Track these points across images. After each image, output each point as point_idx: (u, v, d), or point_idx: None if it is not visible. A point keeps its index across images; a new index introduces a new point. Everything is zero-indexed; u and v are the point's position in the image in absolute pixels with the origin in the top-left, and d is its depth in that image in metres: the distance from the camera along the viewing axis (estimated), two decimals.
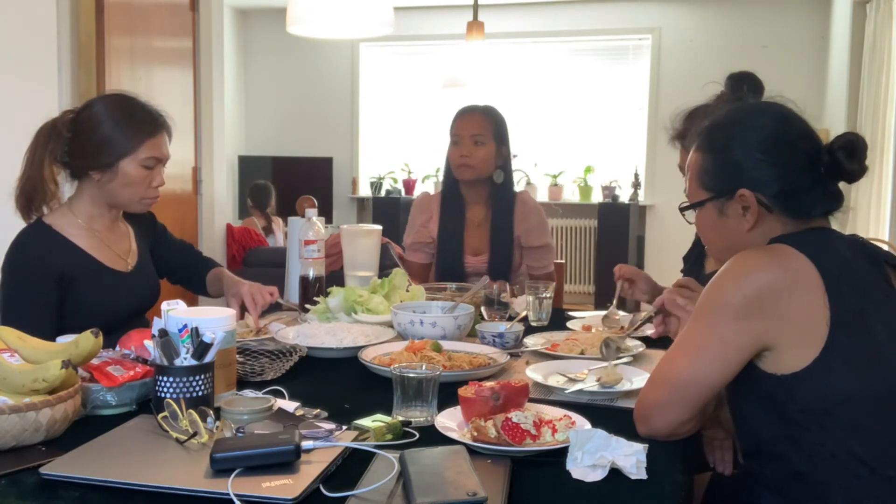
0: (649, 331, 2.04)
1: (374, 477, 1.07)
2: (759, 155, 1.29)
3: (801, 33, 6.56)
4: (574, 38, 7.16)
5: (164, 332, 1.33)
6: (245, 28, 7.84)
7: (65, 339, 1.45)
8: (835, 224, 1.35)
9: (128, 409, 1.39)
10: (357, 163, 7.73)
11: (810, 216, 1.30)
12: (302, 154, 7.61)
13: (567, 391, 1.49)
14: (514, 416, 1.22)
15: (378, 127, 7.73)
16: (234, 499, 1.01)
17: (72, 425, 1.28)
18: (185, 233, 4.45)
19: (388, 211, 6.95)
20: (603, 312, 2.20)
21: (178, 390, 1.30)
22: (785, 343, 1.21)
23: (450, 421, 1.32)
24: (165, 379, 1.30)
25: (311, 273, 2.23)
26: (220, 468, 1.07)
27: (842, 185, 1.32)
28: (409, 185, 7.47)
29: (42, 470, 1.09)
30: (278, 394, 1.46)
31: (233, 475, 1.06)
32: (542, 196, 7.11)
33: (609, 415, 1.40)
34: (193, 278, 2.25)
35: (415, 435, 1.27)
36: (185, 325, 1.33)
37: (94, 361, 1.41)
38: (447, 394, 1.40)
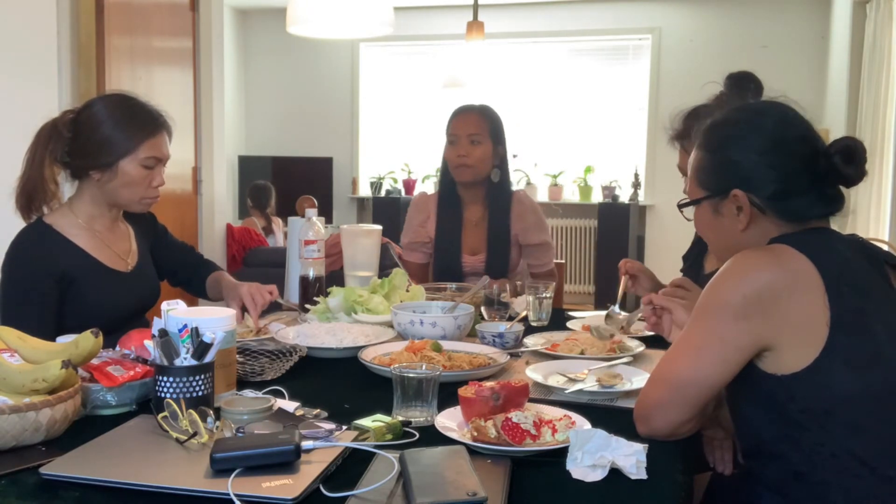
0: (650, 331, 2.05)
1: (374, 477, 1.07)
2: (754, 157, 1.29)
3: (801, 33, 6.56)
4: (574, 38, 7.16)
5: (164, 332, 1.33)
6: (245, 28, 7.84)
7: (65, 339, 1.45)
8: (834, 224, 1.35)
9: (128, 409, 1.39)
10: (357, 163, 7.74)
11: (805, 219, 1.30)
12: (302, 154, 7.61)
13: (567, 391, 1.49)
14: (514, 416, 1.22)
15: (378, 127, 7.73)
16: (234, 499, 1.01)
17: (72, 425, 1.28)
18: (185, 233, 4.45)
19: (388, 211, 6.95)
20: (603, 312, 2.19)
21: (178, 390, 1.30)
22: (785, 343, 1.21)
23: (450, 421, 1.32)
24: (165, 379, 1.30)
25: (311, 273, 2.23)
26: (220, 468, 1.07)
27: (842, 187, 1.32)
28: (409, 185, 7.47)
29: (42, 470, 1.09)
30: (278, 394, 1.46)
31: (233, 475, 1.06)
32: (542, 196, 7.11)
33: (609, 415, 1.40)
34: (194, 280, 2.25)
35: (415, 435, 1.27)
36: (185, 325, 1.33)
37: (94, 361, 1.41)
38: (447, 394, 1.40)
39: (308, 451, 1.13)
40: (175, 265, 2.22)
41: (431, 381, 1.35)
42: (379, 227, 2.48)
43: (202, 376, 1.32)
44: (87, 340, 1.35)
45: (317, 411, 1.37)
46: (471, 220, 2.76)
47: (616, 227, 6.39)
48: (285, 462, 1.09)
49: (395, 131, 7.66)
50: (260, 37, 7.80)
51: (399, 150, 7.60)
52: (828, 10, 6.39)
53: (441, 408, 1.36)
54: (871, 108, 4.95)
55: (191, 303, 1.67)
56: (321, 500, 1.04)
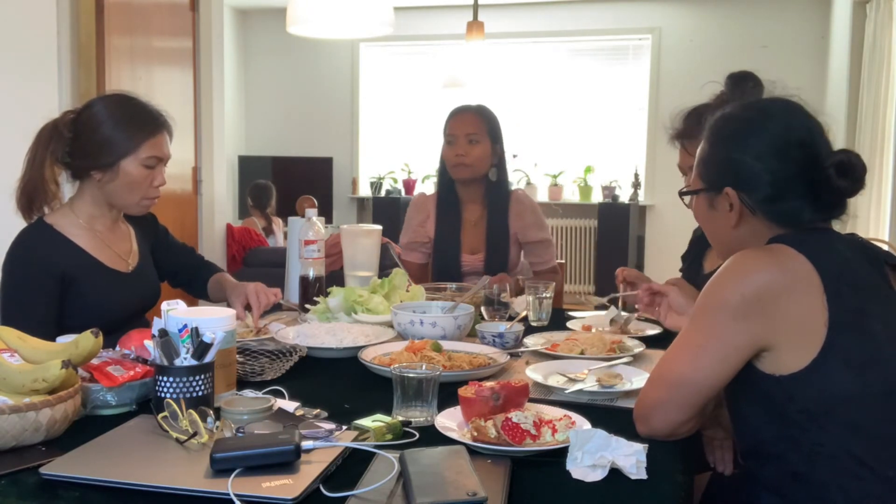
0: (650, 331, 2.05)
1: (374, 477, 1.07)
2: (752, 159, 1.30)
3: (801, 33, 6.56)
4: (574, 38, 7.16)
5: (164, 332, 1.33)
6: (245, 28, 7.84)
7: (65, 339, 1.45)
8: (834, 224, 1.35)
9: (128, 409, 1.39)
10: (357, 163, 7.74)
11: (796, 223, 1.29)
12: (302, 154, 7.61)
13: (567, 391, 1.49)
14: (514, 416, 1.22)
15: (378, 127, 7.73)
16: (234, 499, 1.01)
17: (72, 425, 1.28)
18: (185, 233, 4.45)
19: (388, 211, 6.95)
20: (603, 312, 2.20)
21: (178, 390, 1.30)
22: (783, 343, 1.21)
23: (450, 421, 1.32)
24: (165, 379, 1.30)
25: (311, 273, 2.23)
26: (220, 468, 1.07)
27: None
28: (409, 185, 7.47)
29: (42, 470, 1.09)
30: (278, 394, 1.46)
31: (233, 475, 1.06)
32: (542, 196, 7.11)
33: (609, 415, 1.40)
34: (194, 282, 2.25)
35: (415, 435, 1.27)
36: (185, 325, 1.33)
37: (94, 361, 1.41)
38: (447, 394, 1.40)
39: (308, 451, 1.13)
40: (175, 266, 2.22)
41: (431, 381, 1.35)
42: (379, 227, 2.48)
43: (202, 376, 1.32)
44: (87, 340, 1.35)
45: (317, 411, 1.37)
46: (470, 219, 2.77)
47: (616, 227, 6.39)
48: (285, 462, 1.09)
49: (395, 131, 7.66)
50: (260, 37, 7.80)
51: (399, 150, 7.59)
52: (828, 10, 6.39)
53: (441, 408, 1.36)
54: (871, 108, 4.95)
55: (191, 303, 1.67)
56: (321, 500, 1.04)
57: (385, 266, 2.49)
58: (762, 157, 1.29)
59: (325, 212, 7.17)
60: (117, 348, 1.56)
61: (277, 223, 6.10)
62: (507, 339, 1.85)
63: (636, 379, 1.57)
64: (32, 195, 1.89)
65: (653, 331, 2.05)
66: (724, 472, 1.56)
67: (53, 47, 3.43)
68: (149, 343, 1.44)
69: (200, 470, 1.09)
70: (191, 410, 1.23)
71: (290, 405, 1.40)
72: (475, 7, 4.07)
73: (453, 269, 2.73)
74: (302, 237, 2.25)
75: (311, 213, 2.28)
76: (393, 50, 7.60)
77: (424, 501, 0.97)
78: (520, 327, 1.91)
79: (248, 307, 2.05)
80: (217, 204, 4.90)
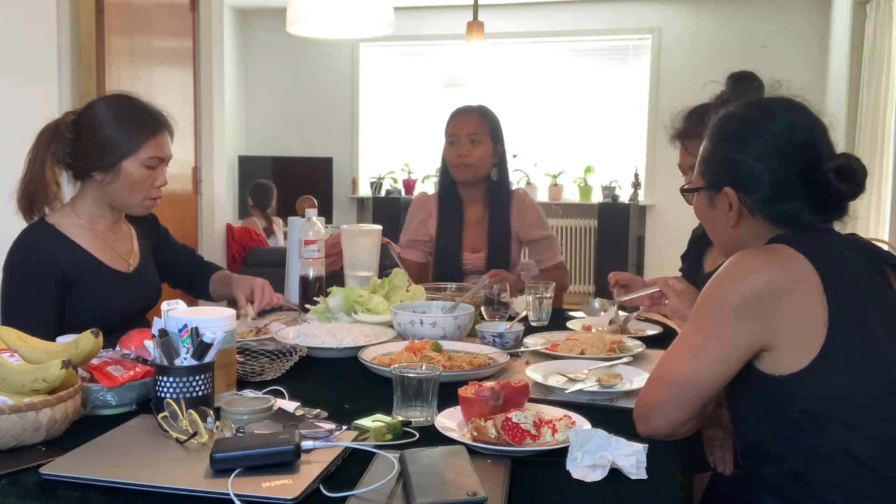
0: (650, 331, 2.05)
1: (374, 477, 1.07)
2: (752, 160, 1.30)
3: (801, 33, 6.56)
4: (574, 38, 7.16)
5: (164, 332, 1.33)
6: (245, 28, 7.84)
7: (65, 339, 1.45)
8: (834, 225, 1.35)
9: (128, 409, 1.39)
10: (357, 163, 7.73)
11: (796, 224, 1.29)
12: (302, 154, 7.61)
13: (567, 391, 1.49)
14: (514, 416, 1.22)
15: (378, 127, 7.73)
16: (234, 499, 1.01)
17: (72, 425, 1.28)
18: (185, 233, 4.45)
19: (388, 211, 6.95)
20: (602, 312, 2.20)
21: (178, 390, 1.30)
22: (783, 343, 1.21)
23: (450, 421, 1.32)
24: (165, 379, 1.30)
25: (311, 273, 2.23)
26: (220, 468, 1.07)
27: None
28: (409, 185, 7.47)
29: (42, 470, 1.09)
30: (278, 394, 1.46)
31: (233, 475, 1.06)
32: (542, 196, 7.10)
33: (609, 415, 1.40)
34: (195, 282, 2.25)
35: (415, 435, 1.27)
36: (185, 325, 1.33)
37: (94, 361, 1.41)
38: (447, 394, 1.40)
39: (308, 451, 1.13)
40: (176, 267, 2.22)
41: (431, 381, 1.35)
42: (379, 227, 2.48)
43: (202, 376, 1.32)
44: (87, 340, 1.35)
45: (317, 411, 1.37)
46: (471, 218, 2.79)
47: (616, 227, 6.39)
48: (285, 462, 1.09)
49: (395, 131, 7.66)
50: (260, 37, 7.79)
51: (399, 150, 7.59)
52: (828, 10, 6.39)
53: (441, 408, 1.36)
54: (871, 108, 4.95)
55: (191, 303, 1.67)
56: (321, 500, 1.04)
57: (385, 266, 2.49)
58: (763, 157, 1.29)
59: (325, 212, 7.17)
60: (117, 348, 1.56)
61: (278, 223, 6.09)
62: (507, 339, 1.85)
63: (636, 379, 1.57)
64: (33, 196, 1.89)
65: (653, 331, 2.05)
66: (724, 472, 1.56)
67: (53, 47, 3.43)
68: (149, 343, 1.44)
69: (200, 470, 1.09)
70: (191, 410, 1.23)
71: (290, 405, 1.40)
72: (475, 7, 4.07)
73: (455, 268, 2.75)
74: (302, 237, 2.25)
75: (311, 213, 2.28)
76: (393, 50, 7.60)
77: (424, 501, 0.97)
78: (520, 327, 1.91)
79: (251, 303, 2.05)
80: (217, 204, 4.90)
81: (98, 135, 1.88)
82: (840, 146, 1.35)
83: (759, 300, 1.20)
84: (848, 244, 1.30)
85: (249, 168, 7.46)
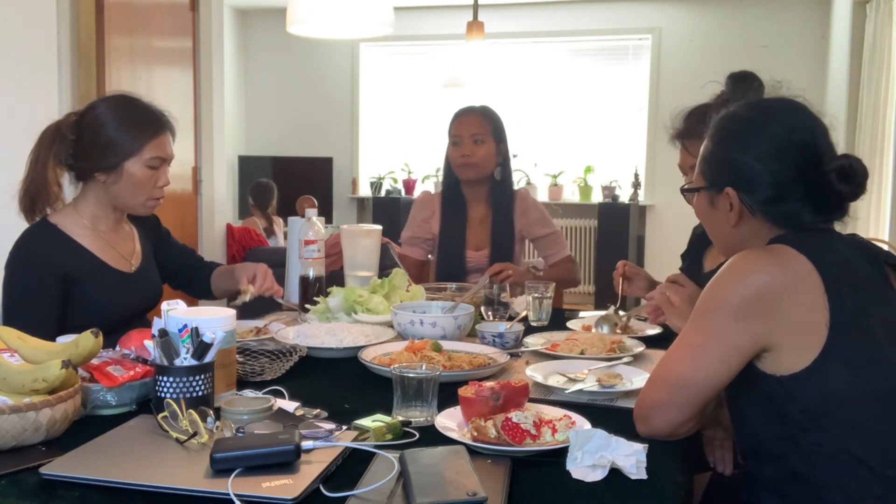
0: (650, 331, 2.05)
1: (374, 477, 1.07)
2: (753, 160, 1.30)
3: (801, 33, 6.56)
4: (574, 38, 7.16)
5: (164, 332, 1.33)
6: (245, 28, 7.84)
7: (65, 339, 1.45)
8: (834, 225, 1.35)
9: (128, 409, 1.39)
10: (357, 163, 7.74)
11: (796, 224, 1.29)
12: (302, 154, 7.61)
13: (567, 391, 1.49)
14: (514, 416, 1.22)
15: (378, 127, 7.73)
16: (234, 499, 1.01)
17: (72, 425, 1.28)
18: (185, 233, 4.45)
19: (388, 211, 6.95)
20: (602, 312, 2.20)
21: (178, 390, 1.30)
22: (784, 344, 1.21)
23: (450, 421, 1.32)
24: (165, 379, 1.30)
25: (311, 273, 2.23)
26: (220, 468, 1.07)
27: None
28: (409, 185, 7.47)
29: (42, 470, 1.09)
30: (278, 394, 1.46)
31: (233, 475, 1.06)
32: (542, 196, 7.11)
33: (609, 415, 1.40)
34: (195, 282, 2.25)
35: (415, 435, 1.27)
36: (185, 325, 1.33)
37: (94, 361, 1.41)
38: (447, 394, 1.40)
39: (308, 451, 1.13)
40: (176, 268, 2.22)
41: (431, 381, 1.35)
42: (379, 227, 2.48)
43: (202, 376, 1.32)
44: (87, 340, 1.35)
45: (317, 411, 1.37)
46: (475, 217, 2.82)
47: (616, 227, 6.39)
48: (285, 462, 1.09)
49: (395, 131, 7.66)
50: (260, 37, 7.79)
51: (399, 150, 7.59)
52: (828, 10, 6.39)
53: (441, 408, 1.36)
54: (871, 108, 4.95)
55: (191, 304, 1.67)
56: (321, 500, 1.04)
57: (385, 266, 2.49)
58: (763, 158, 1.29)
59: (325, 212, 7.17)
60: (117, 348, 1.56)
61: (278, 223, 6.09)
62: (507, 339, 1.85)
63: (636, 379, 1.57)
64: (35, 197, 1.90)
65: (653, 331, 2.05)
66: (724, 472, 1.56)
67: (53, 47, 3.43)
68: (149, 343, 1.44)
69: (200, 470, 1.09)
70: (191, 410, 1.23)
71: (290, 405, 1.40)
72: (475, 7, 4.07)
73: (457, 266, 2.76)
74: (302, 237, 2.25)
75: (311, 213, 2.28)
76: (393, 50, 7.60)
77: (424, 501, 0.97)
78: (520, 327, 1.91)
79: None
80: (217, 204, 4.90)
81: (100, 135, 1.88)
82: (840, 146, 1.35)
83: (760, 300, 1.20)
84: (848, 244, 1.30)
85: (249, 168, 7.46)
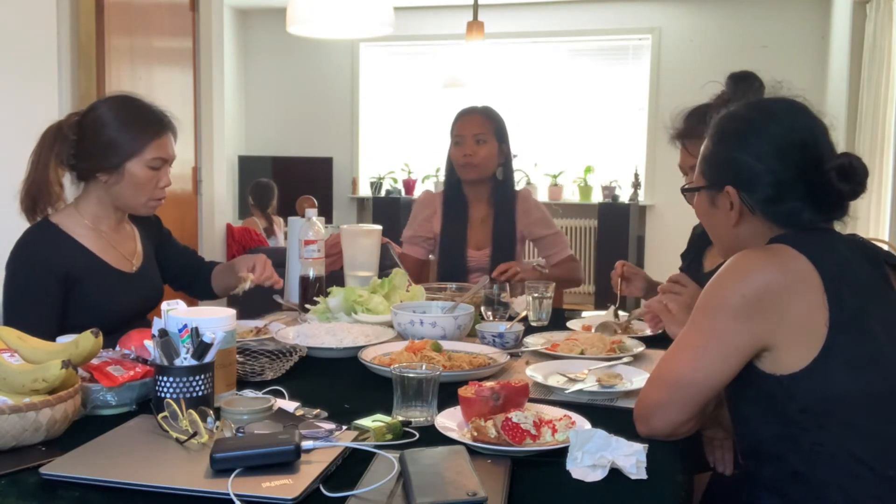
0: (650, 331, 2.05)
1: (374, 477, 1.07)
2: (753, 159, 1.30)
3: (801, 33, 6.56)
4: (574, 38, 7.16)
5: (164, 332, 1.33)
6: (245, 28, 7.84)
7: (65, 339, 1.45)
8: (834, 225, 1.35)
9: (128, 409, 1.39)
10: (357, 163, 7.74)
11: (796, 223, 1.29)
12: (302, 154, 7.61)
13: (567, 391, 1.49)
14: (514, 416, 1.22)
15: (378, 127, 7.73)
16: (234, 499, 1.01)
17: (72, 425, 1.28)
18: (185, 233, 4.45)
19: (388, 211, 6.95)
20: (602, 314, 2.20)
21: (178, 390, 1.30)
22: (784, 343, 1.21)
23: (450, 421, 1.32)
24: (165, 379, 1.30)
25: (311, 273, 2.23)
26: (220, 468, 1.07)
27: None
28: (409, 185, 7.47)
29: (42, 470, 1.09)
30: (278, 394, 1.46)
31: (233, 475, 1.06)
32: (542, 196, 7.11)
33: (609, 415, 1.40)
34: (196, 283, 2.25)
35: (415, 435, 1.27)
36: (185, 325, 1.33)
37: (94, 361, 1.41)
38: (447, 394, 1.40)
39: (308, 451, 1.13)
40: (177, 268, 2.22)
41: (431, 381, 1.35)
42: (379, 227, 2.48)
43: (202, 376, 1.32)
44: (87, 340, 1.35)
45: (317, 411, 1.37)
46: (476, 217, 2.82)
47: (616, 227, 6.39)
48: (285, 462, 1.09)
49: (395, 131, 7.66)
50: (260, 37, 7.79)
51: (399, 150, 7.60)
52: (828, 10, 6.39)
53: (441, 408, 1.36)
54: (871, 108, 4.95)
55: (191, 304, 1.67)
56: (321, 500, 1.04)
57: (385, 266, 2.49)
58: (763, 157, 1.29)
59: (325, 212, 7.17)
60: (117, 348, 1.56)
61: (278, 223, 6.09)
62: (507, 339, 1.85)
63: (636, 379, 1.57)
64: (36, 197, 1.90)
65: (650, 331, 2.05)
66: (724, 472, 1.56)
67: (53, 47, 3.43)
68: (149, 343, 1.44)
69: (200, 470, 1.09)
70: (191, 410, 1.23)
71: (290, 405, 1.40)
72: (475, 7, 4.07)
73: (459, 265, 2.76)
74: (302, 237, 2.25)
75: (311, 213, 2.28)
76: (393, 50, 7.60)
77: (424, 501, 0.97)
78: (520, 327, 1.91)
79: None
80: (217, 204, 4.90)
81: (102, 136, 1.88)
82: (840, 146, 1.35)
83: (760, 300, 1.20)
84: (848, 244, 1.30)
85: (249, 168, 7.46)
